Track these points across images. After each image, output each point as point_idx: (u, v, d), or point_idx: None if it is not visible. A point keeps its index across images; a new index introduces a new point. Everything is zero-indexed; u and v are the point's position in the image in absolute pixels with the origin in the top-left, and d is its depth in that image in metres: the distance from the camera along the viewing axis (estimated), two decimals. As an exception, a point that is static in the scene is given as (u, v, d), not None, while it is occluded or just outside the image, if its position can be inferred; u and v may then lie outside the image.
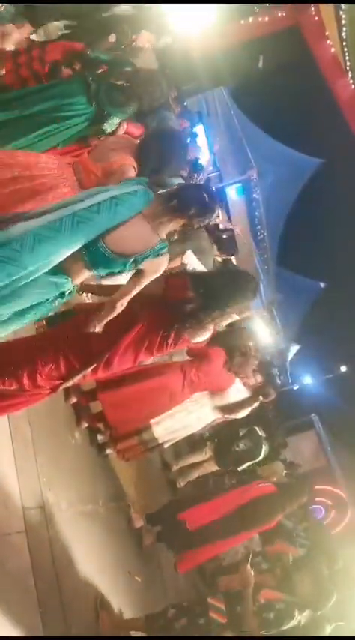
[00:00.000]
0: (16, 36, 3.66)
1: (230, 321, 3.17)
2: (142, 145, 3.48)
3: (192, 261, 4.34)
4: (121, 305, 2.71)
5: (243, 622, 3.50)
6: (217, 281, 3.12)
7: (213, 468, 6.30)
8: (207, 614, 3.64)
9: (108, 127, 3.86)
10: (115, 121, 3.86)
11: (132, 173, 3.30)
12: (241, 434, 6.02)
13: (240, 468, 5.97)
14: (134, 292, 2.70)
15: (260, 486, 4.99)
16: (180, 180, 5.27)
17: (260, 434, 6.12)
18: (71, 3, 3.44)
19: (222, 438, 6.17)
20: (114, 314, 2.74)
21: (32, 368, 2.83)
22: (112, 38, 4.12)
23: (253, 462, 5.98)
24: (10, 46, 3.85)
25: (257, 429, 6.13)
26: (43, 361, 2.82)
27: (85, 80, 3.71)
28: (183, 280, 3.13)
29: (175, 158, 3.56)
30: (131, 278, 2.68)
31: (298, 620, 3.57)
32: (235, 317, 3.16)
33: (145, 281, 2.64)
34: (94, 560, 3.88)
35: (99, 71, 3.97)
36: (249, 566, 3.68)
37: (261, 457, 6.01)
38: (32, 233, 2.27)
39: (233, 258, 6.32)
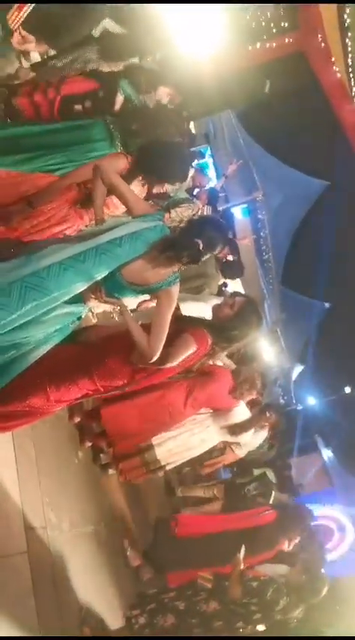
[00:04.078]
0: (31, 45, 3.75)
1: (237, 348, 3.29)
2: (140, 150, 3.50)
3: (189, 310, 4.30)
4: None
5: (227, 589, 3.60)
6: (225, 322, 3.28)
7: (218, 508, 6.03)
8: (195, 584, 3.72)
9: None
10: None
11: (122, 160, 3.31)
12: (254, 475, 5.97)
13: None
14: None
15: (264, 515, 4.88)
16: (185, 195, 5.31)
17: (271, 479, 6.09)
18: (67, 3, 3.53)
19: (232, 480, 6.07)
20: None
21: (43, 390, 2.88)
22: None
23: None
24: (22, 49, 3.93)
25: (268, 472, 6.10)
26: (56, 384, 2.87)
27: (105, 124, 3.78)
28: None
29: (171, 164, 3.51)
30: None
31: (286, 600, 3.57)
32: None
33: (165, 310, 2.74)
34: (95, 583, 3.86)
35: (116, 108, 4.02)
36: (239, 555, 3.72)
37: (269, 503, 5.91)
38: (58, 263, 2.42)
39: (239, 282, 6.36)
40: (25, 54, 4.28)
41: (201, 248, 2.74)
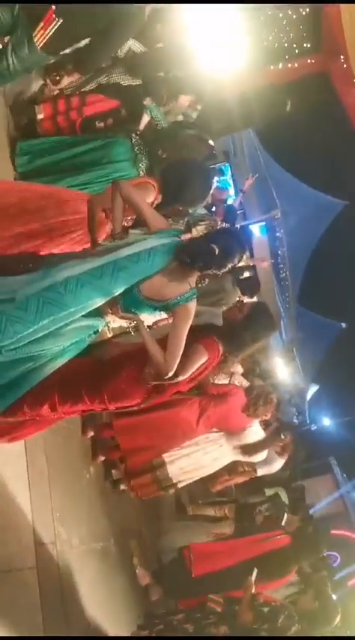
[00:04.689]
0: (66, 81, 3.80)
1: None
2: (163, 173, 3.57)
3: None
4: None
5: (238, 614, 3.51)
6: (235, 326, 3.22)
7: (230, 530, 5.88)
8: (205, 606, 3.63)
9: None
10: None
11: (152, 191, 3.38)
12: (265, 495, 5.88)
13: None
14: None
15: (278, 539, 4.76)
16: (204, 211, 5.35)
17: (284, 500, 5.99)
18: (74, 3, 3.57)
19: (243, 499, 5.99)
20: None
21: (51, 400, 2.87)
22: (147, 101, 4.25)
23: None
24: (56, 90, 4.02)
25: (280, 493, 6.00)
26: (64, 396, 2.86)
27: (131, 145, 3.82)
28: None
29: (195, 187, 3.62)
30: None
31: (298, 627, 3.49)
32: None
33: (181, 326, 2.69)
34: (103, 599, 3.82)
35: (139, 129, 4.06)
36: (251, 578, 3.62)
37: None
38: (75, 278, 2.41)
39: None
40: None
41: (216, 253, 2.70)
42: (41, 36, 3.37)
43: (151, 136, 4.06)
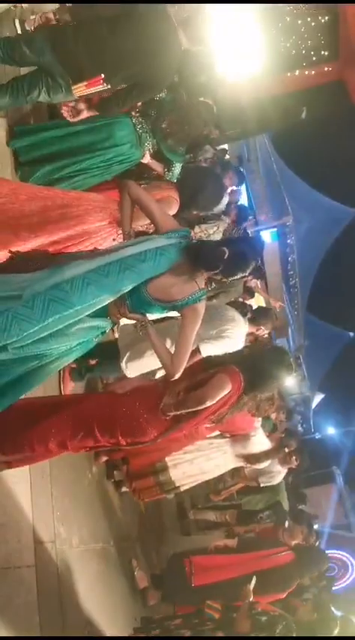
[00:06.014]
0: (85, 114, 3.78)
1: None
2: (179, 180, 3.59)
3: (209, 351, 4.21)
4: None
5: (235, 622, 3.45)
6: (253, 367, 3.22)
7: (233, 544, 5.89)
8: (203, 613, 3.60)
9: (175, 173, 4.00)
10: (178, 167, 3.98)
11: (174, 206, 3.38)
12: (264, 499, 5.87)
13: None
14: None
15: (281, 555, 4.63)
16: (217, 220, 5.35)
17: (285, 508, 5.97)
18: (83, 3, 3.50)
19: (245, 508, 5.98)
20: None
21: (62, 434, 2.83)
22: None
23: None
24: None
25: (281, 496, 5.98)
26: (74, 429, 2.85)
27: (132, 125, 3.83)
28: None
29: (209, 192, 3.67)
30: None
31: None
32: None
33: (189, 327, 2.66)
34: (101, 601, 3.81)
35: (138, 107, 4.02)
36: (249, 586, 3.59)
37: None
38: (82, 276, 2.38)
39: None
40: None
41: (225, 256, 2.65)
42: (81, 91, 3.38)
43: (151, 110, 3.99)
